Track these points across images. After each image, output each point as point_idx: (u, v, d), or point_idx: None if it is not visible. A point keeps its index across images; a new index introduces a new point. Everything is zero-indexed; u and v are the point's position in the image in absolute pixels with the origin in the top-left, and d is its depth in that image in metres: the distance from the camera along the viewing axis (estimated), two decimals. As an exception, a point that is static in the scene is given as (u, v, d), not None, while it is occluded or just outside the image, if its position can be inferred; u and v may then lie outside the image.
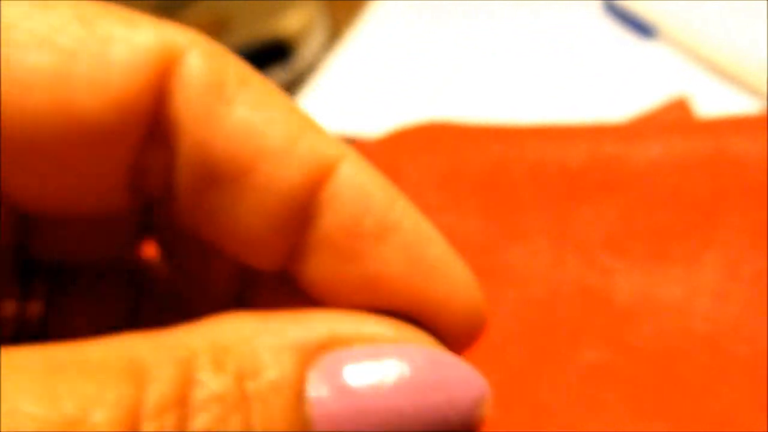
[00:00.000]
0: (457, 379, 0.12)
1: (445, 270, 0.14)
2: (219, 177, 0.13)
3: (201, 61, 0.12)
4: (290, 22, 0.49)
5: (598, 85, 0.45)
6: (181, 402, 0.10)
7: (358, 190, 0.13)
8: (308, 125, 0.13)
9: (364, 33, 0.51)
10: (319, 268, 0.13)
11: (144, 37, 0.12)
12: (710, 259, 0.31)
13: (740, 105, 0.42)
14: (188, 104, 0.12)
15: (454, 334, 0.14)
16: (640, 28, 0.48)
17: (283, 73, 0.48)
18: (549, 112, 0.44)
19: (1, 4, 0.11)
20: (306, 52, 0.49)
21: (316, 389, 0.12)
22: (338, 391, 0.12)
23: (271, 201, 0.13)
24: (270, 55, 0.48)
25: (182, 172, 0.13)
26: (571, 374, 0.29)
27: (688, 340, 0.30)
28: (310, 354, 0.12)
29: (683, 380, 0.29)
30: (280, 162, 0.13)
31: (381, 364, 0.12)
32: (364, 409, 0.12)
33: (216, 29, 0.47)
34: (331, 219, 0.13)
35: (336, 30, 0.53)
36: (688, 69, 0.45)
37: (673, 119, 0.38)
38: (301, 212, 0.13)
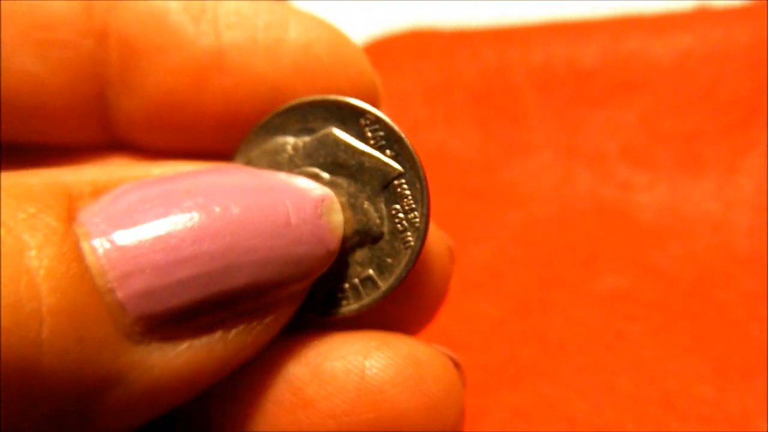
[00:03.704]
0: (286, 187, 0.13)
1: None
2: None
3: None
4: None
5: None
6: None
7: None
8: None
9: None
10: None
11: None
12: (749, 165, 0.27)
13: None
14: None
15: None
16: None
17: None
18: (554, 11, 0.38)
19: None
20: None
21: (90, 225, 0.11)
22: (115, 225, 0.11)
23: None
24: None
25: None
26: (588, 304, 0.25)
27: (726, 261, 0.25)
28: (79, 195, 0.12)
29: (721, 307, 0.25)
30: None
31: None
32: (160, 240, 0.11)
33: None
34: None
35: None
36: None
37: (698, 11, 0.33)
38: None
